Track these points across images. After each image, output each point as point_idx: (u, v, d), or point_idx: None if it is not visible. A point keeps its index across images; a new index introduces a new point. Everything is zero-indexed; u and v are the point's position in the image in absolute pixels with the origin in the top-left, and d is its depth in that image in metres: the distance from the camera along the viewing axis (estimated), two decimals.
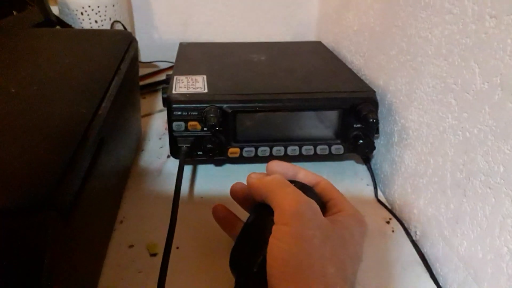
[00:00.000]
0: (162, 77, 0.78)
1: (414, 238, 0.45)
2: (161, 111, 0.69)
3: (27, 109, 0.35)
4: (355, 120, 0.48)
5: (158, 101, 0.73)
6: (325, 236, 0.30)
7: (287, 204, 0.30)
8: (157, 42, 0.85)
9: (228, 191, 0.39)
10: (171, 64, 0.79)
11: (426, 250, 0.43)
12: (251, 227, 0.34)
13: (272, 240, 0.29)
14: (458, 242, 0.38)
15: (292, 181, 0.35)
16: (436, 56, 0.41)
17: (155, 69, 0.80)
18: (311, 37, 0.87)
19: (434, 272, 0.41)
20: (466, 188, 0.37)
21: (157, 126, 0.65)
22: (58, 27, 0.65)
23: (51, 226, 0.26)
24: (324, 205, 0.35)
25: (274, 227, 0.30)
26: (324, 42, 0.73)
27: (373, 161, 0.56)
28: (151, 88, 0.75)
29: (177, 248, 0.42)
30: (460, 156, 0.37)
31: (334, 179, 0.53)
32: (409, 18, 0.46)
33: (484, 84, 0.34)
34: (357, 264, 0.32)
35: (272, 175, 0.34)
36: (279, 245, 0.29)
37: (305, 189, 0.34)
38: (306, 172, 0.38)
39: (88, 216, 0.34)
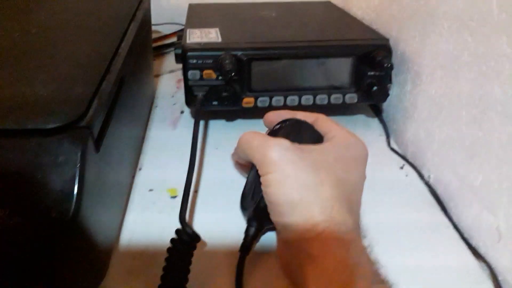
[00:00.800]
0: (170, 40, 0.78)
1: (427, 180, 0.46)
2: (170, 71, 0.70)
3: (50, 46, 0.36)
4: (369, 67, 0.49)
5: (167, 63, 0.73)
6: (311, 163, 0.31)
7: (258, 155, 0.32)
8: (164, 5, 0.84)
9: None
10: (179, 27, 0.79)
11: (440, 191, 0.44)
12: (248, 182, 0.38)
13: (263, 189, 0.32)
14: (473, 177, 0.38)
15: (285, 120, 0.37)
16: None
17: (163, 34, 0.80)
18: None
19: (448, 210, 0.42)
20: (482, 122, 0.37)
21: (168, 85, 0.65)
22: None
23: (84, 142, 0.26)
24: (322, 138, 0.36)
25: (261, 179, 0.32)
26: (334, 1, 0.73)
27: (384, 114, 0.57)
28: (160, 51, 0.75)
29: (195, 191, 0.43)
30: (476, 91, 0.38)
31: None
32: None
33: (502, 14, 0.34)
34: (355, 187, 0.33)
35: (241, 135, 0.36)
36: (269, 192, 0.31)
37: (299, 123, 0.37)
38: (304, 112, 0.39)
39: (114, 149, 0.35)
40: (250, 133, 0.35)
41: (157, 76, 0.69)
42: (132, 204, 0.41)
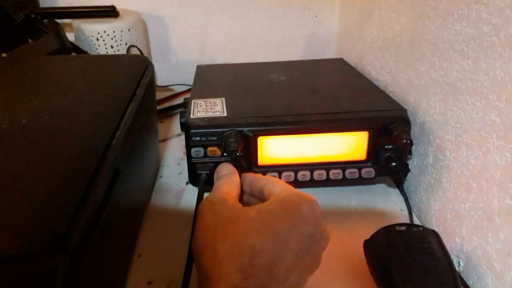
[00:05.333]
0: (179, 100, 0.76)
1: (457, 269, 0.41)
2: (179, 135, 0.67)
3: (37, 142, 0.33)
4: (387, 140, 0.45)
5: (175, 125, 0.71)
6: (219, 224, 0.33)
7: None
8: (173, 65, 0.83)
9: None
10: (188, 87, 0.78)
11: (472, 282, 0.39)
12: None
13: None
14: None
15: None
16: (474, 71, 0.38)
17: (172, 93, 0.78)
18: (332, 54, 0.84)
19: None
20: None
21: (175, 151, 0.63)
22: (73, 53, 0.64)
23: (60, 271, 0.23)
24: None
25: None
26: (346, 59, 0.70)
27: (406, 184, 0.52)
28: (168, 112, 0.73)
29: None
30: (509, 180, 0.34)
31: (365, 205, 0.50)
32: (440, 31, 0.43)
33: None
34: (270, 252, 0.30)
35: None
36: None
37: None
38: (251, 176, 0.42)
39: (103, 252, 0.31)
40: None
41: (165, 140, 0.66)
42: None
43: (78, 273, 0.25)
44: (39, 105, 0.39)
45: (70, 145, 0.33)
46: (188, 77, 0.71)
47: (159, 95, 0.79)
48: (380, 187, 0.53)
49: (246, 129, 0.44)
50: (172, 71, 0.83)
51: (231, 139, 0.43)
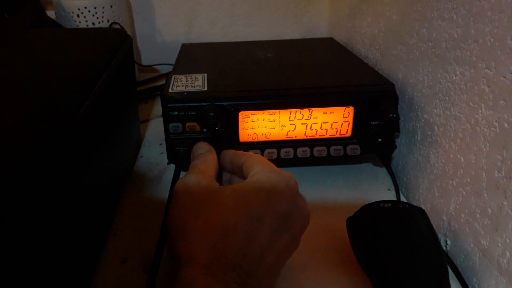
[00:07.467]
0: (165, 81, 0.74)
1: (444, 248, 0.39)
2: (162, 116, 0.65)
3: None
4: (373, 116, 0.43)
5: (159, 106, 0.69)
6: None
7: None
8: (159, 45, 0.81)
9: None
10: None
11: (459, 262, 0.37)
12: None
13: None
14: (499, 253, 0.32)
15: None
16: (463, 39, 0.36)
17: (157, 74, 0.76)
18: (323, 35, 0.82)
19: (470, 287, 0.35)
20: (507, 189, 0.31)
21: (157, 132, 0.61)
22: None
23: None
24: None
25: None
26: (336, 38, 0.69)
27: (393, 163, 0.51)
28: (153, 93, 0.71)
29: None
30: (498, 152, 0.32)
31: (351, 184, 0.48)
32: (430, 0, 0.41)
33: None
34: (243, 231, 0.29)
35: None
36: None
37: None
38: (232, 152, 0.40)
39: (73, 230, 0.29)
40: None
41: (147, 121, 0.64)
42: (101, 279, 0.36)
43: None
44: (5, 74, 0.37)
45: (32, 113, 0.31)
46: (174, 58, 0.69)
47: (145, 76, 0.77)
48: (367, 166, 0.51)
49: (226, 103, 0.42)
50: (157, 51, 0.80)
51: (211, 113, 0.41)
